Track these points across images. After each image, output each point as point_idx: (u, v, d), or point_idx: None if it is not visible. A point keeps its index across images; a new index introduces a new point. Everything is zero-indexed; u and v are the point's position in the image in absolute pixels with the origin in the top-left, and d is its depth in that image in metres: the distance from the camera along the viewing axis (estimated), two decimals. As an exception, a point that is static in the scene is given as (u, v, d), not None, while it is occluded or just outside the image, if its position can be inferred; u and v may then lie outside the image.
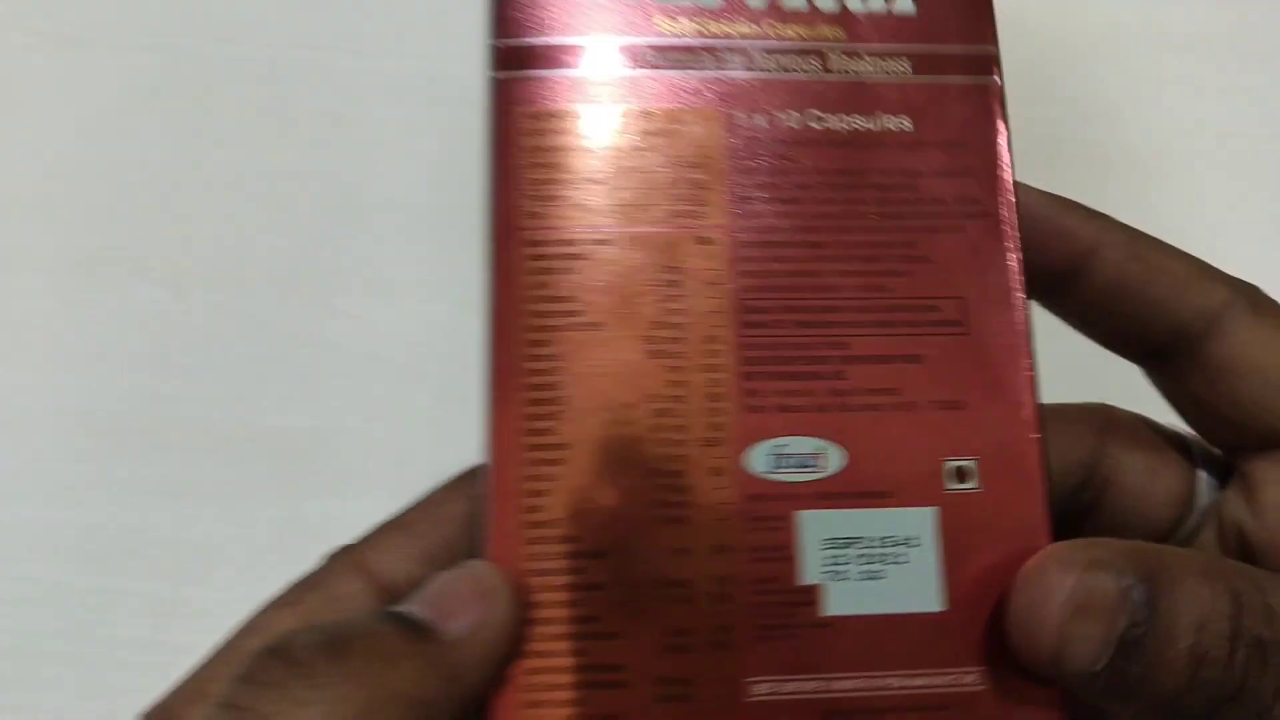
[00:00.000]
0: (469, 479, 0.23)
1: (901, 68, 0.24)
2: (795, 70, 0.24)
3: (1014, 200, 0.24)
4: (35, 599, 0.40)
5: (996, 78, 0.24)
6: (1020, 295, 0.23)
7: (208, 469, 0.42)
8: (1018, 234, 0.24)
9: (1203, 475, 0.26)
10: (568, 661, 0.21)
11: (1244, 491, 0.25)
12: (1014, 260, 0.23)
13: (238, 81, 0.47)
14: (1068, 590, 0.20)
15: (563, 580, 0.22)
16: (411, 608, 0.21)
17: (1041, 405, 0.23)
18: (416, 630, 0.20)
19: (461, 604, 0.21)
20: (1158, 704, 0.20)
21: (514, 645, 0.21)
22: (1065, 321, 0.26)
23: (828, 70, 0.24)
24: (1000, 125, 0.24)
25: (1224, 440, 0.25)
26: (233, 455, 0.42)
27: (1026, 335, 0.23)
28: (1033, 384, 0.23)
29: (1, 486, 0.41)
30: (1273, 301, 0.25)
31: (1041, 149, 0.46)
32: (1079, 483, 0.26)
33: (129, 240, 0.44)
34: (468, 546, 0.22)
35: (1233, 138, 0.48)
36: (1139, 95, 0.48)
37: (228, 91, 0.46)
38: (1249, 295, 0.24)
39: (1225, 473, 0.26)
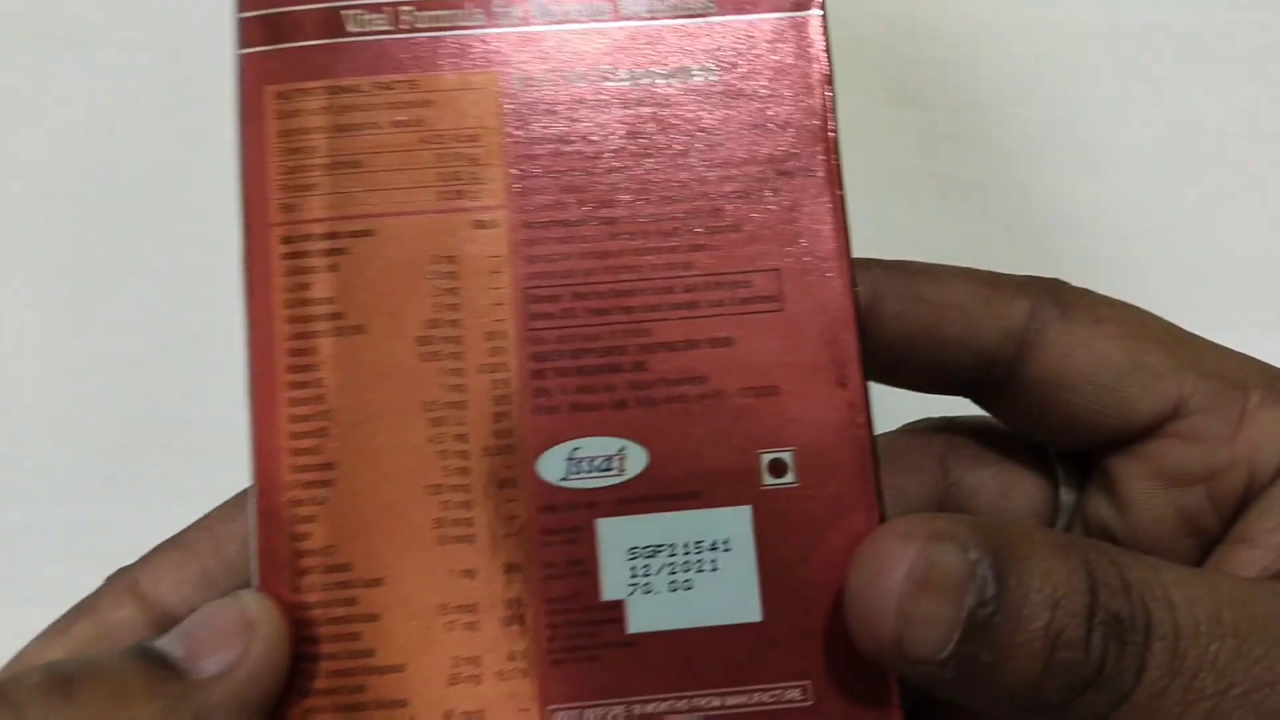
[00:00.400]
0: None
1: (701, 6, 0.21)
2: (578, 20, 0.21)
3: (837, 155, 0.21)
4: (35, 599, 0.40)
5: (818, 10, 0.22)
6: (844, 262, 0.21)
7: (208, 469, 0.41)
8: (841, 191, 0.21)
9: (1061, 474, 0.24)
10: (346, 700, 0.20)
11: (1105, 489, 0.23)
12: (835, 222, 0.21)
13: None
14: (908, 564, 0.18)
15: (338, 612, 0.20)
16: (165, 642, 0.19)
17: (868, 387, 0.20)
18: (162, 668, 0.18)
19: (218, 639, 0.19)
20: (1012, 693, 0.18)
21: (273, 685, 0.19)
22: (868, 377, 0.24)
23: (618, 16, 0.21)
24: (821, 66, 0.21)
25: (1073, 447, 0.23)
26: (233, 455, 0.41)
27: (850, 307, 0.21)
28: (859, 363, 0.20)
29: (1, 486, 0.41)
30: (1078, 293, 0.22)
31: (1038, 149, 0.45)
32: None
33: (129, 240, 0.44)
34: (247, 570, 0.21)
35: (1232, 138, 0.46)
36: (1139, 95, 0.46)
37: (227, 91, 0.46)
38: (1052, 296, 0.22)
39: (1086, 467, 0.23)
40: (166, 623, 0.21)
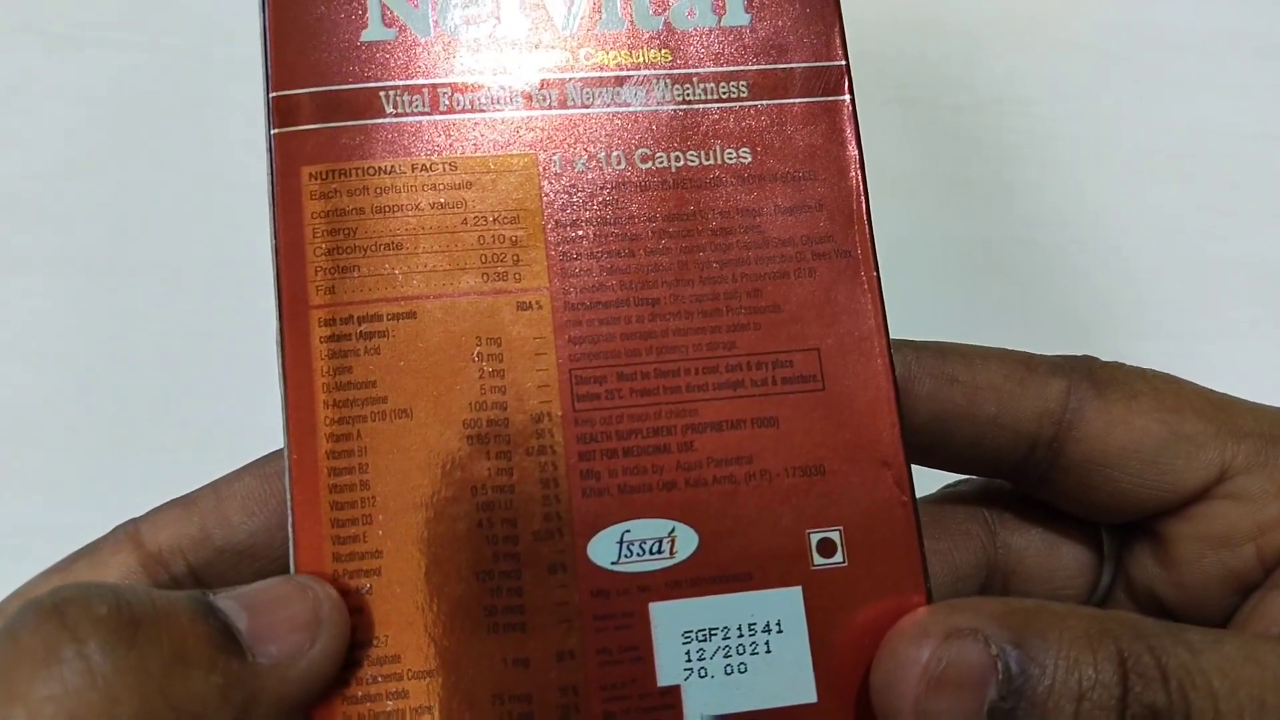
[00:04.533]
0: (263, 462, 0.22)
1: (737, 91, 0.22)
2: (614, 104, 0.21)
3: (871, 235, 0.21)
4: None
5: (847, 95, 0.22)
6: (882, 341, 0.21)
7: (208, 469, 0.41)
8: (876, 272, 0.21)
9: (1106, 539, 0.24)
10: None
11: (1152, 547, 0.23)
12: (872, 302, 0.21)
13: (238, 81, 0.46)
14: (921, 665, 0.18)
15: (388, 706, 0.19)
16: (229, 608, 0.18)
17: (910, 465, 0.21)
18: (225, 637, 0.17)
19: (287, 627, 0.18)
20: None
21: (319, 688, 0.18)
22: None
23: (654, 101, 0.22)
24: (853, 150, 0.22)
25: (1121, 521, 0.23)
26: (233, 456, 0.40)
27: (890, 386, 0.21)
28: (900, 441, 0.21)
29: (1, 486, 0.40)
30: (1111, 368, 0.23)
31: (1038, 149, 0.46)
32: (977, 588, 0.24)
33: (129, 240, 0.44)
34: (244, 528, 0.21)
35: (1233, 138, 0.47)
36: (1139, 95, 0.47)
37: (228, 91, 0.45)
38: (1086, 375, 0.22)
39: (1132, 525, 0.24)
40: (160, 572, 0.21)
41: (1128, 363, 0.23)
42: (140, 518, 0.22)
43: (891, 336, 0.21)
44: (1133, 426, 0.22)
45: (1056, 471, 0.23)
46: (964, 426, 0.22)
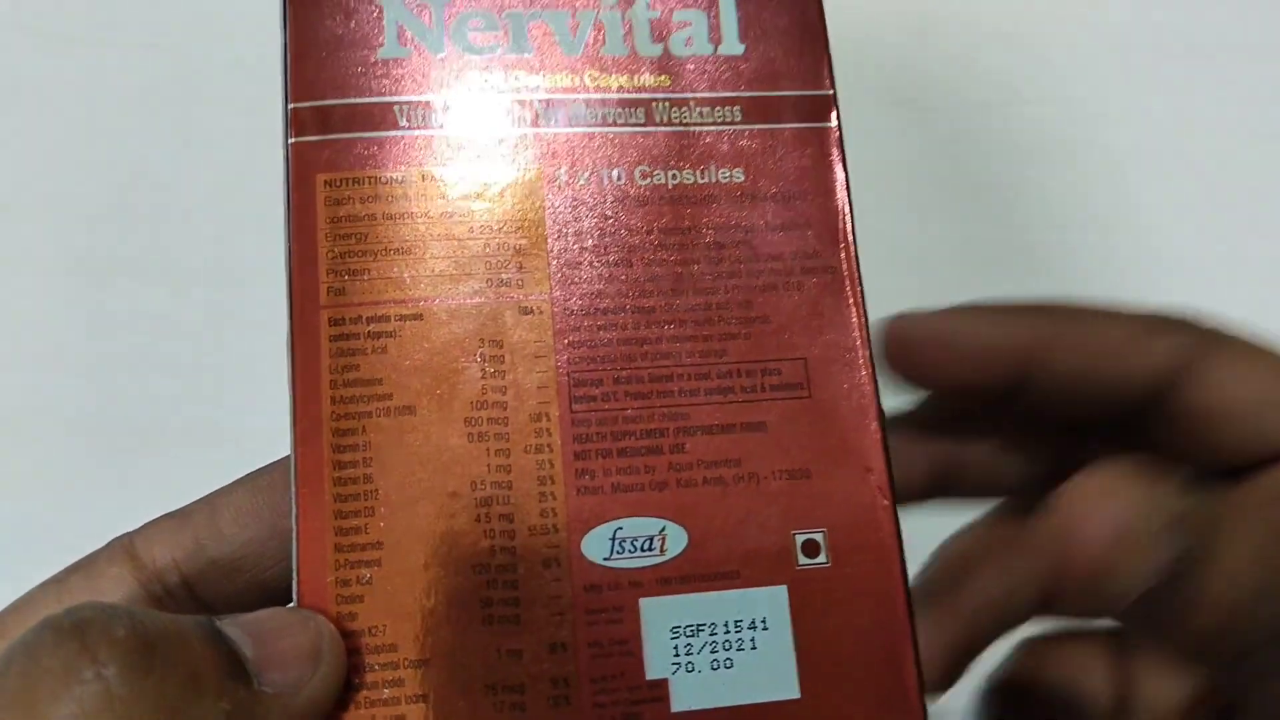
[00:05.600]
0: (254, 476, 0.22)
1: (731, 115, 0.23)
2: (619, 124, 0.23)
3: (855, 252, 0.23)
4: None
5: (834, 121, 0.23)
6: (866, 353, 0.22)
7: (209, 469, 0.41)
8: (860, 288, 0.22)
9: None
10: None
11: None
12: (857, 316, 0.22)
13: (237, 81, 0.46)
14: (1120, 506, 0.19)
15: (385, 693, 0.20)
16: (236, 635, 0.18)
17: (891, 470, 0.22)
18: (235, 664, 0.18)
19: (290, 657, 0.18)
20: (1200, 639, 0.19)
21: (323, 716, 0.19)
22: (1007, 427, 0.25)
23: (653, 122, 0.23)
24: (838, 173, 0.23)
25: (1216, 469, 0.23)
26: (233, 455, 0.40)
27: (873, 394, 0.22)
28: (882, 446, 0.22)
29: (1, 486, 0.40)
30: (1219, 326, 0.23)
31: (1038, 149, 0.46)
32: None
33: (129, 240, 0.44)
34: (237, 540, 0.22)
35: (1233, 138, 0.48)
36: (1139, 95, 0.48)
37: (228, 91, 0.46)
38: (1196, 332, 0.23)
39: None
40: (154, 584, 0.22)
41: None
42: (134, 531, 0.22)
43: (1016, 298, 0.22)
44: (1243, 381, 0.22)
45: (1162, 422, 0.23)
46: (1085, 390, 0.23)
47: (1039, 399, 0.23)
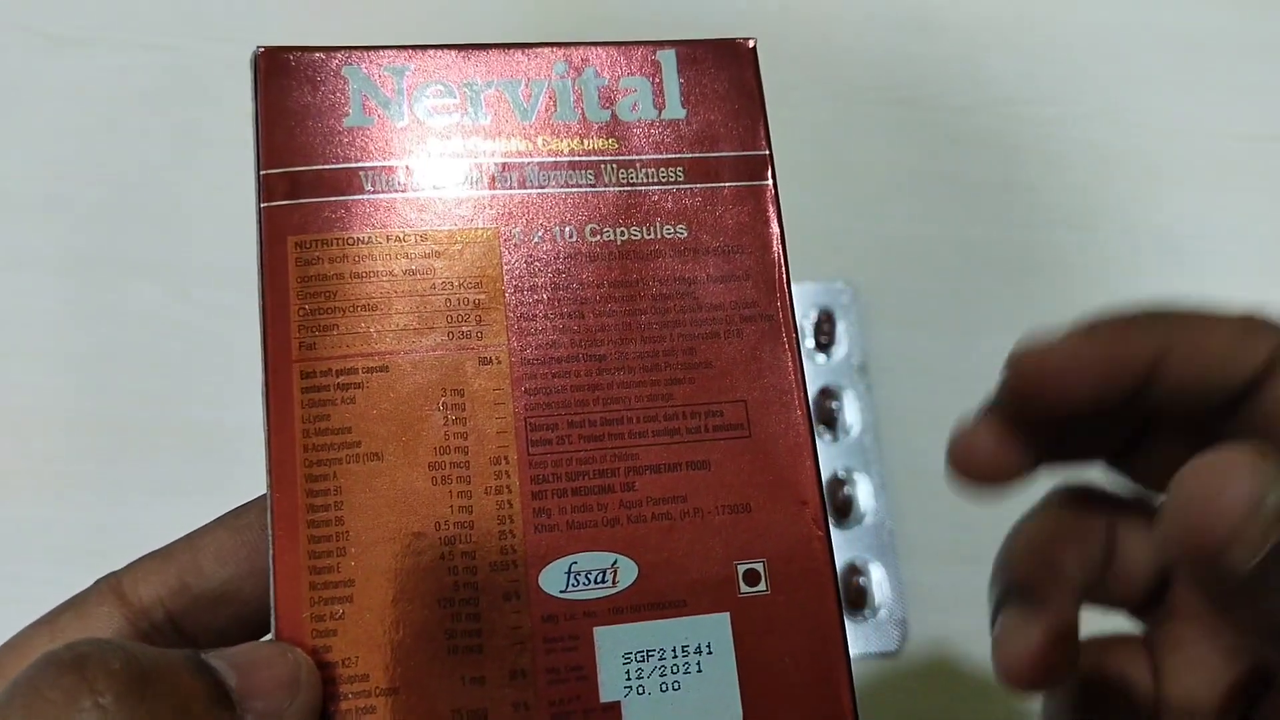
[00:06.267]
0: (234, 515, 0.24)
1: (674, 175, 0.25)
2: (570, 185, 0.24)
3: (791, 302, 0.24)
4: (34, 598, 0.39)
5: (769, 180, 0.25)
6: (801, 395, 0.24)
7: (209, 468, 0.42)
8: (795, 334, 0.24)
9: None
10: None
11: None
12: (793, 360, 0.24)
13: (238, 81, 0.47)
14: (1248, 485, 0.20)
15: (355, 722, 0.21)
16: (221, 667, 0.20)
17: (825, 503, 0.23)
18: (220, 693, 0.19)
19: (271, 686, 0.20)
20: None
21: None
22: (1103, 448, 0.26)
23: (602, 183, 0.24)
24: (774, 228, 0.25)
25: None
26: (233, 455, 0.42)
27: (808, 433, 0.24)
28: (817, 482, 0.23)
29: (1, 486, 0.41)
30: None
31: (1038, 149, 0.47)
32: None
33: (129, 240, 0.44)
34: (218, 578, 0.23)
35: (1232, 137, 0.48)
36: (1139, 95, 0.48)
37: (228, 91, 0.47)
38: None
39: None
40: (142, 620, 0.23)
41: None
42: (120, 570, 0.23)
43: (1142, 308, 0.23)
44: None
45: (1245, 421, 0.23)
46: (1189, 388, 0.23)
47: (1152, 402, 0.24)
